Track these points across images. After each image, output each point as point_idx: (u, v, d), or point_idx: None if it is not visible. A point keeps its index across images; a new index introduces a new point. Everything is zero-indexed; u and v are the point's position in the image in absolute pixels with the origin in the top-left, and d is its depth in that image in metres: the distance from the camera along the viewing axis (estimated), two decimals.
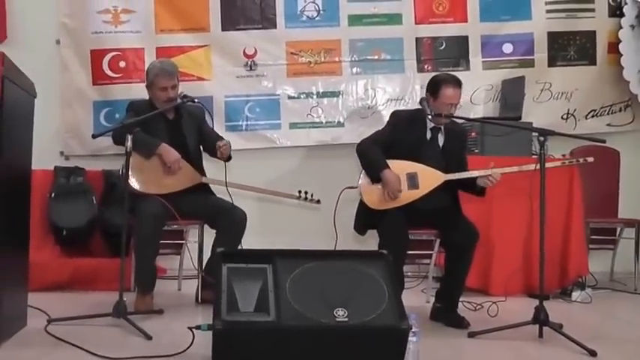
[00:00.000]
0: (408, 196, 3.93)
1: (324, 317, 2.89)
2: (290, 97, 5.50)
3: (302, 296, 2.96)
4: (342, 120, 5.49)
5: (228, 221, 4.09)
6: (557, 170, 4.55)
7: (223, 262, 3.04)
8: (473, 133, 4.97)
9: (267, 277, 3.03)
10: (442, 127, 4.07)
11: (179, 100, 4.11)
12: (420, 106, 4.07)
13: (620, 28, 5.50)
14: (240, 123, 5.45)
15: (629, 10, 5.50)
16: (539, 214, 3.75)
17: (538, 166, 3.83)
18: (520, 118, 5.01)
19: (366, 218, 4.04)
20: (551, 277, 4.67)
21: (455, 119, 4.07)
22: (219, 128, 5.22)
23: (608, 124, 5.63)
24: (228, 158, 4.19)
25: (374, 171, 3.94)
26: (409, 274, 5.05)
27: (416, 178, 3.95)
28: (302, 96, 5.51)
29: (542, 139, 3.76)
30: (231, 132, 5.38)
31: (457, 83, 4.00)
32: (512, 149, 4.72)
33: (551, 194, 4.49)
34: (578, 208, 4.82)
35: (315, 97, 5.50)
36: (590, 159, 4.04)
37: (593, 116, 5.61)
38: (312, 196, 4.40)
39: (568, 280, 4.78)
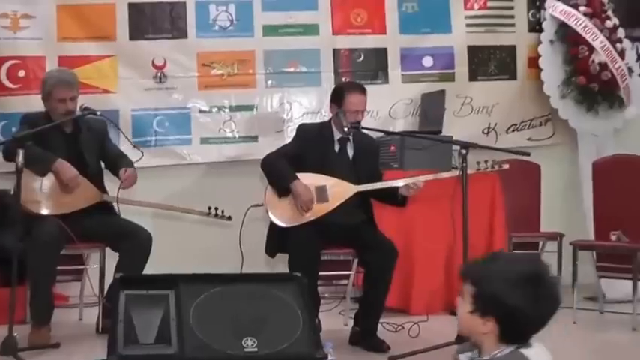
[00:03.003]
0: (317, 210, 3.78)
1: (231, 348, 2.71)
2: (201, 111, 5.21)
3: (207, 325, 2.77)
4: (256, 134, 5.25)
5: (132, 244, 3.82)
6: (479, 185, 4.53)
7: (121, 289, 2.83)
8: (392, 148, 4.85)
9: (169, 304, 2.81)
10: (351, 139, 3.97)
11: (79, 113, 3.84)
12: (330, 119, 3.98)
13: (540, 43, 5.51)
14: (148, 138, 5.13)
15: (547, 25, 5.50)
16: (462, 228, 3.67)
17: (454, 173, 3.81)
18: (440, 132, 4.92)
19: (276, 239, 3.87)
20: None
21: (369, 131, 4.01)
22: (125, 145, 4.84)
23: (529, 139, 5.60)
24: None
25: (282, 183, 3.79)
26: (326, 295, 4.89)
27: (325, 191, 3.81)
28: (214, 110, 5.23)
29: (464, 151, 3.69)
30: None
31: (361, 89, 3.95)
32: (432, 163, 4.58)
33: (474, 209, 4.43)
34: (500, 222, 4.77)
35: (227, 110, 5.23)
36: (506, 166, 3.97)
37: (514, 130, 5.58)
38: (222, 212, 4.17)
39: None
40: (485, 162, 3.94)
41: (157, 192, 4.49)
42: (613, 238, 4.64)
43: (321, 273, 3.82)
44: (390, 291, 3.88)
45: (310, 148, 3.90)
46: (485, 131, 5.49)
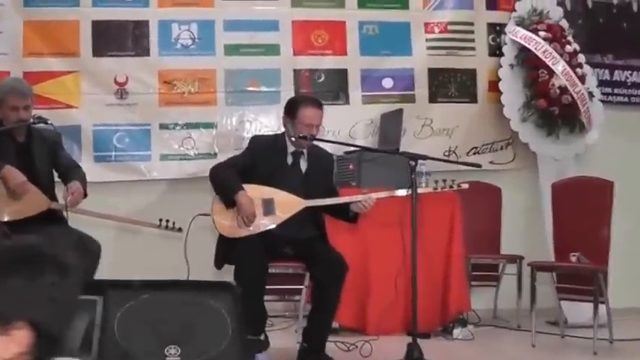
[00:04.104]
0: (262, 222, 3.76)
1: (152, 356, 2.67)
2: (161, 128, 5.23)
3: (132, 332, 2.75)
4: (215, 152, 5.24)
5: (80, 253, 3.77)
6: (438, 206, 4.56)
7: None
8: (351, 166, 4.87)
9: (95, 310, 2.78)
10: (304, 152, 3.95)
11: (31, 121, 3.85)
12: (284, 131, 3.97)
13: (500, 67, 5.54)
14: (108, 153, 5.15)
15: (508, 49, 5.55)
16: (411, 246, 3.67)
17: (407, 191, 3.78)
18: (398, 150, 4.92)
19: (223, 251, 3.85)
20: (431, 314, 4.60)
21: (319, 142, 4.00)
22: (87, 158, 5.02)
23: (491, 162, 5.59)
24: (84, 196, 3.93)
25: (227, 194, 3.77)
26: (287, 314, 4.87)
27: (272, 204, 3.79)
28: (175, 127, 5.25)
29: (412, 163, 3.70)
30: (100, 163, 5.11)
31: (317, 103, 3.92)
32: (390, 181, 4.54)
33: (431, 228, 4.50)
34: (458, 242, 4.76)
35: (187, 127, 5.24)
36: (465, 185, 3.98)
37: (475, 153, 5.57)
38: (173, 224, 4.15)
39: (449, 316, 4.69)
40: (444, 181, 3.93)
41: (115, 206, 4.48)
42: (573, 259, 4.61)
43: (271, 287, 3.79)
44: (341, 308, 3.88)
45: (262, 160, 3.88)
46: (446, 153, 5.48)
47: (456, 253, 4.74)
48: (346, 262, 3.75)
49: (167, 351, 2.69)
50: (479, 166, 3.99)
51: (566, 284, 4.66)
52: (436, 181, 3.95)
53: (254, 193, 3.77)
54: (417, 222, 3.69)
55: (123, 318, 2.77)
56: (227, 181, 3.80)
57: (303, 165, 3.96)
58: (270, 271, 3.76)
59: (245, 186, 3.77)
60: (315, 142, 4.00)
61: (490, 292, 5.36)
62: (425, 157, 3.85)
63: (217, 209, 3.82)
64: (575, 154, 5.61)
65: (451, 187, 3.93)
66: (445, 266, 4.74)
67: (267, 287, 3.73)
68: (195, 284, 3.05)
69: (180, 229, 4.16)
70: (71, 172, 4.03)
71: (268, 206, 3.78)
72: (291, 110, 3.90)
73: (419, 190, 3.82)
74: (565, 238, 4.76)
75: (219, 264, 3.91)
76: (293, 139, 3.85)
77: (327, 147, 4.23)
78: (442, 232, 4.74)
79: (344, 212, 3.89)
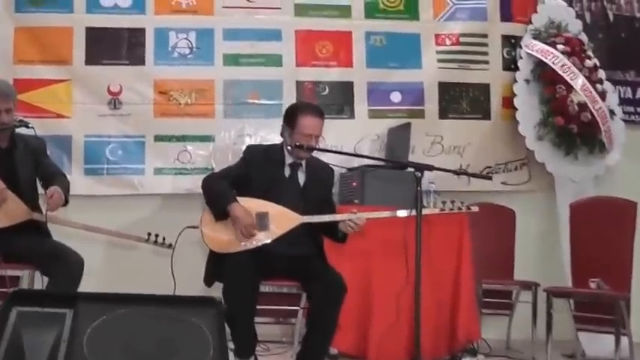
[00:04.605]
0: (256, 238, 3.53)
1: None
2: (156, 140, 5.04)
3: (102, 349, 2.49)
4: (212, 166, 5.02)
5: (61, 267, 3.55)
6: (445, 225, 4.30)
7: (13, 305, 2.52)
8: (354, 184, 4.62)
9: (64, 324, 2.51)
10: (303, 164, 3.73)
11: (13, 124, 3.67)
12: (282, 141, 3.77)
13: (515, 81, 5.32)
14: (100, 166, 4.97)
15: (523, 63, 5.32)
16: (415, 269, 3.44)
17: (413, 213, 3.53)
18: (406, 166, 4.68)
19: (213, 267, 3.61)
20: (439, 342, 4.36)
21: (317, 152, 3.77)
22: (77, 171, 4.88)
23: (504, 183, 5.36)
24: (65, 202, 3.72)
25: (220, 205, 3.54)
26: (284, 339, 4.62)
27: (266, 218, 3.55)
28: (171, 139, 5.05)
29: (418, 174, 3.49)
30: (91, 175, 4.94)
31: (317, 112, 3.71)
32: (395, 200, 4.31)
33: (438, 250, 4.26)
34: (467, 266, 4.49)
35: (183, 140, 5.05)
36: (475, 208, 3.78)
37: (488, 173, 5.27)
38: (163, 239, 3.96)
39: (457, 345, 4.42)
40: (452, 202, 3.72)
41: (105, 221, 4.24)
42: (592, 285, 4.39)
43: (264, 307, 3.58)
44: (340, 333, 3.64)
45: (257, 171, 3.68)
46: None
47: (465, 278, 4.48)
48: (345, 282, 3.52)
49: None
50: (489, 177, 3.83)
51: (585, 313, 4.46)
52: (444, 202, 3.76)
53: (248, 206, 3.56)
54: (421, 241, 3.46)
55: (94, 333, 2.51)
56: (220, 192, 3.59)
57: (302, 177, 3.76)
58: (263, 289, 3.55)
59: (238, 199, 3.56)
60: (315, 154, 3.80)
61: (503, 321, 5.11)
62: (431, 168, 3.65)
63: (206, 221, 3.60)
64: (595, 176, 5.35)
65: (460, 209, 3.73)
66: (453, 291, 4.49)
67: (259, 308, 3.52)
68: (176, 299, 2.79)
69: (170, 246, 3.96)
70: (54, 179, 3.84)
71: (262, 220, 3.56)
72: (290, 118, 3.70)
73: (424, 211, 3.59)
74: (584, 263, 4.57)
75: (209, 281, 3.68)
76: (289, 148, 3.64)
77: (331, 161, 4.04)
78: (450, 254, 4.49)
79: (333, 230, 3.67)
